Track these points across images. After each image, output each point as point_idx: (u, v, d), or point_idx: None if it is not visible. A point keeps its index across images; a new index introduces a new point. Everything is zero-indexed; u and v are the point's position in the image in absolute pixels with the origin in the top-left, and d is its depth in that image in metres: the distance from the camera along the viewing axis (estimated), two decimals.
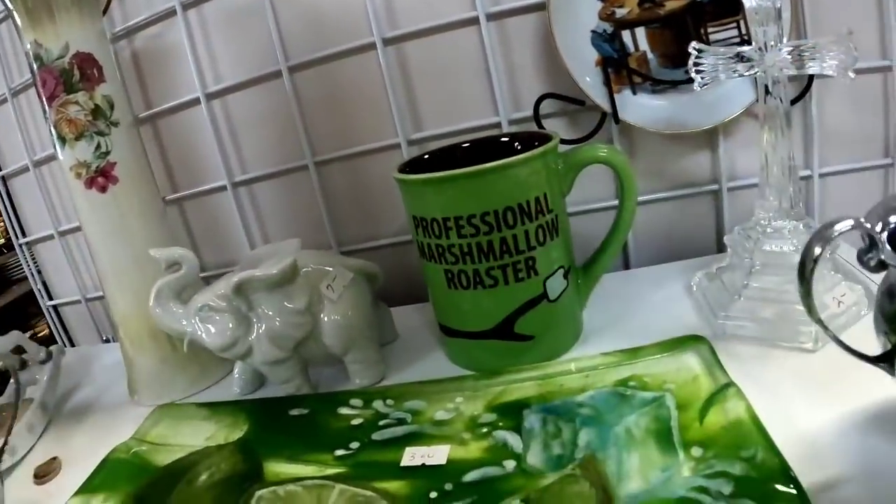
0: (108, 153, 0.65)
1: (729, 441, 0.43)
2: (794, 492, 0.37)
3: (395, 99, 0.75)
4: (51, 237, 0.96)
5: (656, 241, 0.75)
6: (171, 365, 0.71)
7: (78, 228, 0.94)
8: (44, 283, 1.04)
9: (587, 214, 0.75)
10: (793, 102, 0.67)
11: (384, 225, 0.83)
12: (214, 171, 0.84)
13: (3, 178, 0.98)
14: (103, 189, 0.65)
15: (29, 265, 1.02)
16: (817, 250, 0.39)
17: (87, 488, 0.55)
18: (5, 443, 0.59)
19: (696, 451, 0.43)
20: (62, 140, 0.65)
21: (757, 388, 0.47)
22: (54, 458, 0.63)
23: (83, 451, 0.64)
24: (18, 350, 0.79)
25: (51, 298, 1.05)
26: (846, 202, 0.72)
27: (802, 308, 0.50)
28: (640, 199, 0.72)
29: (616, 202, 0.73)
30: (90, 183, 0.65)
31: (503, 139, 0.63)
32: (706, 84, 0.56)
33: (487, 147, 0.63)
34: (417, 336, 0.71)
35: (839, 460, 0.41)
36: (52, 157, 0.91)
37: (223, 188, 0.85)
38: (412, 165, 0.61)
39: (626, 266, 0.78)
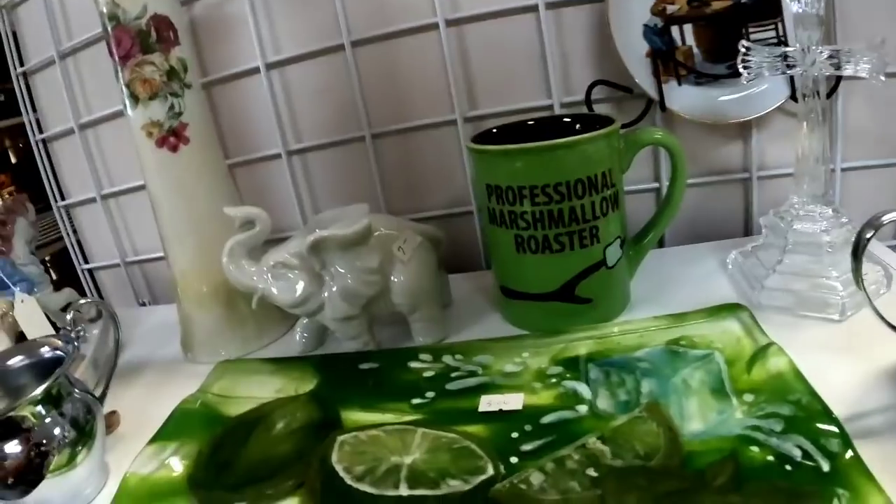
0: (180, 114, 0.67)
1: (775, 389, 0.48)
2: (835, 429, 0.43)
3: (453, 77, 0.78)
4: (92, 200, 0.97)
5: (688, 222, 0.79)
6: (229, 323, 0.73)
7: (119, 193, 0.96)
8: (80, 247, 1.05)
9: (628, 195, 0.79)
10: None
11: (434, 197, 0.86)
12: (267, 140, 0.87)
13: (44, 141, 0.99)
14: (174, 149, 0.67)
15: (66, 228, 1.02)
16: (868, 234, 0.45)
17: (160, 436, 0.57)
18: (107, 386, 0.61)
19: (748, 397, 0.49)
20: (134, 99, 0.66)
21: (790, 352, 0.51)
22: (114, 412, 0.64)
23: (141, 406, 0.66)
24: (68, 307, 0.81)
25: (87, 262, 1.06)
26: (864, 195, 0.77)
27: (830, 283, 0.58)
28: None
29: (654, 185, 0.80)
30: (162, 142, 0.67)
31: (565, 119, 0.67)
32: (752, 79, 0.61)
33: (550, 125, 0.67)
34: (470, 302, 0.75)
35: (866, 406, 0.46)
36: (97, 122, 0.93)
37: (277, 156, 0.87)
38: (482, 138, 0.65)
39: (661, 244, 0.82)
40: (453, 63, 0.78)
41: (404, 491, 0.46)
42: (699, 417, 0.48)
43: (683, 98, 0.73)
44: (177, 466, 0.54)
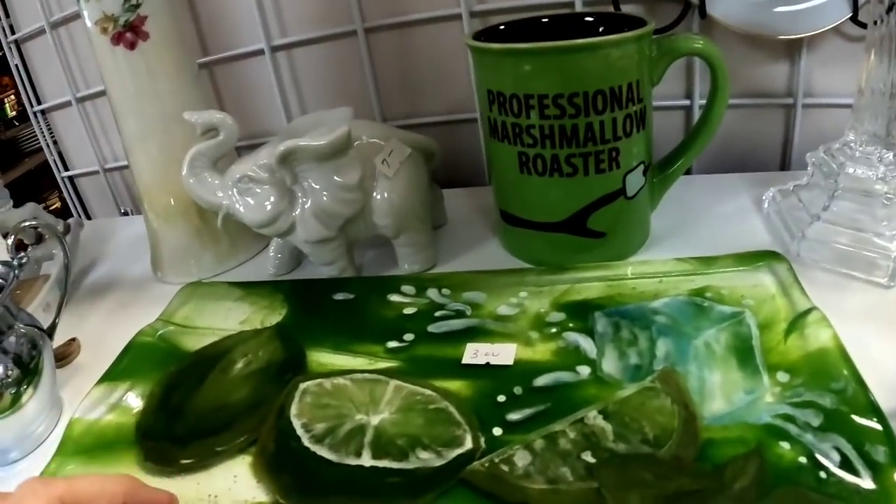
0: (138, 6, 0.59)
1: (816, 370, 0.41)
2: (881, 429, 0.35)
3: None
4: (68, 104, 0.91)
5: (719, 148, 0.71)
6: (200, 240, 0.67)
7: (97, 95, 0.89)
8: (59, 154, 1.00)
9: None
10: None
11: (434, 102, 0.78)
12: (250, 34, 0.78)
13: (17, 42, 0.92)
14: (132, 46, 0.60)
15: (44, 134, 0.98)
16: None
17: (111, 375, 0.52)
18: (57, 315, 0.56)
19: (782, 377, 0.41)
20: None
21: (834, 318, 0.44)
22: (73, 340, 0.60)
23: (103, 332, 0.62)
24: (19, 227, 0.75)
25: (66, 169, 1.01)
26: None
27: (881, 241, 0.50)
28: None
29: (684, 102, 0.70)
30: (117, 39, 0.60)
31: (587, 18, 0.58)
32: None
33: (569, 25, 0.58)
34: (468, 222, 0.68)
35: None
36: (71, 18, 0.85)
37: (260, 52, 0.78)
38: (486, 36, 0.56)
39: (687, 171, 0.74)
40: None
41: (367, 460, 0.41)
42: (722, 396, 0.41)
43: (728, 4, 0.63)
44: (127, 409, 0.49)
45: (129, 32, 0.59)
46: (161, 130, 0.63)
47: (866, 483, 0.33)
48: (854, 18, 0.60)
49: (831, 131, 0.56)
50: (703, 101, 0.60)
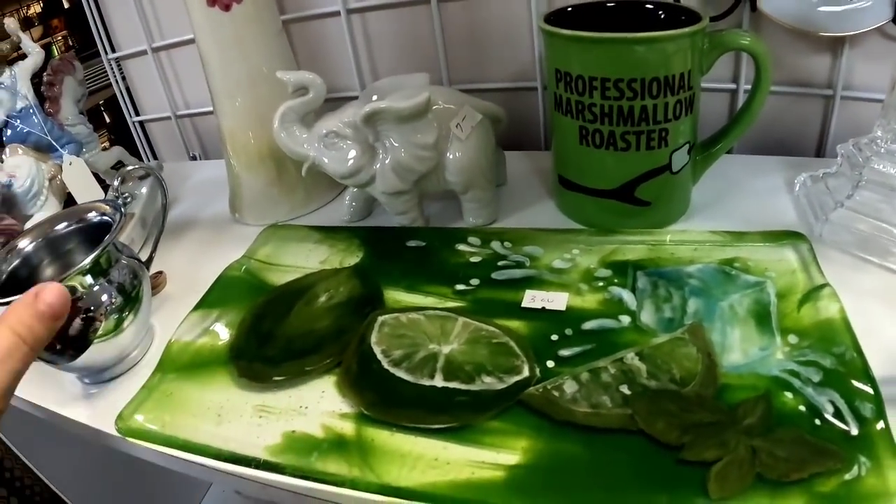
0: None
1: (821, 336, 0.47)
2: (872, 392, 0.41)
3: None
4: (143, 53, 0.95)
5: (759, 131, 0.75)
6: (278, 187, 0.73)
7: (171, 46, 0.93)
8: (131, 98, 1.03)
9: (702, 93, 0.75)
10: None
11: (499, 68, 0.82)
12: None
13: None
14: (227, 8, 0.65)
15: (117, 80, 1.01)
16: None
17: (204, 304, 0.59)
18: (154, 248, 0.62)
19: (792, 339, 0.47)
20: None
21: (844, 295, 0.49)
22: (160, 273, 0.65)
23: (187, 267, 0.67)
24: (118, 165, 0.81)
25: (137, 114, 1.05)
26: None
27: None
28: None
29: (730, 86, 0.74)
30: (213, 1, 0.64)
31: (648, 5, 0.62)
32: None
33: (631, 11, 0.62)
34: (525, 183, 0.73)
35: None
36: None
37: (336, 13, 0.83)
38: (556, 17, 0.61)
39: (728, 150, 0.78)
40: None
41: (439, 382, 0.48)
42: (740, 350, 0.47)
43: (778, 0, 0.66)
44: (220, 334, 0.56)
45: None
46: (248, 86, 0.68)
47: (853, 431, 0.39)
48: (895, 20, 0.63)
49: (867, 124, 0.60)
50: (748, 86, 0.64)
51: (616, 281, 0.55)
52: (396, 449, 0.44)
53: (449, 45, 0.82)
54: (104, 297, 0.51)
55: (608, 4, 0.63)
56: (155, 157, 1.10)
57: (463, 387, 0.47)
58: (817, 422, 0.41)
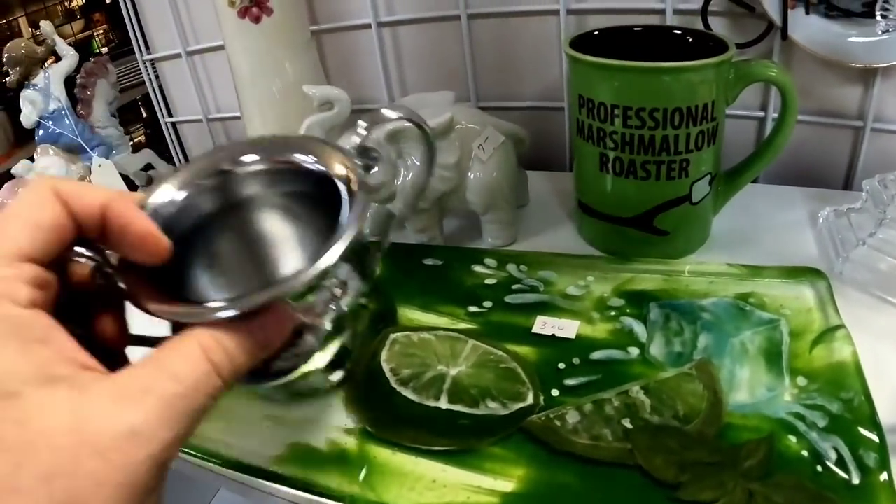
0: None
1: (831, 379, 0.46)
2: (877, 441, 0.41)
3: None
4: (177, 56, 0.96)
5: (786, 160, 0.74)
6: None
7: (205, 50, 0.94)
8: (164, 99, 1.05)
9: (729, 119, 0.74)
10: None
11: (526, 88, 0.82)
12: (359, 8, 0.83)
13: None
14: (257, 20, 0.66)
15: (152, 82, 1.02)
16: None
17: None
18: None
19: (801, 381, 0.47)
20: None
21: (861, 336, 0.48)
22: None
23: None
24: (147, 167, 0.83)
25: (170, 115, 1.06)
26: None
27: None
28: None
29: (759, 114, 0.74)
30: (244, 13, 0.66)
31: (675, 31, 0.62)
32: (888, 31, 0.54)
33: (659, 36, 0.62)
34: (548, 204, 0.73)
35: None
36: None
37: (367, 26, 0.84)
38: (582, 41, 0.60)
39: (753, 179, 0.78)
40: None
41: (443, 403, 0.48)
42: (747, 389, 0.47)
43: (809, 29, 0.65)
44: None
45: (255, 7, 0.65)
46: (276, 94, 0.69)
47: (854, 480, 0.39)
48: None
49: None
50: (776, 114, 0.63)
51: (628, 311, 0.55)
52: (397, 468, 0.44)
53: (478, 61, 0.82)
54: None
55: (635, 29, 0.63)
56: (186, 159, 1.11)
57: (467, 410, 0.47)
58: (819, 468, 0.40)
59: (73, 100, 0.77)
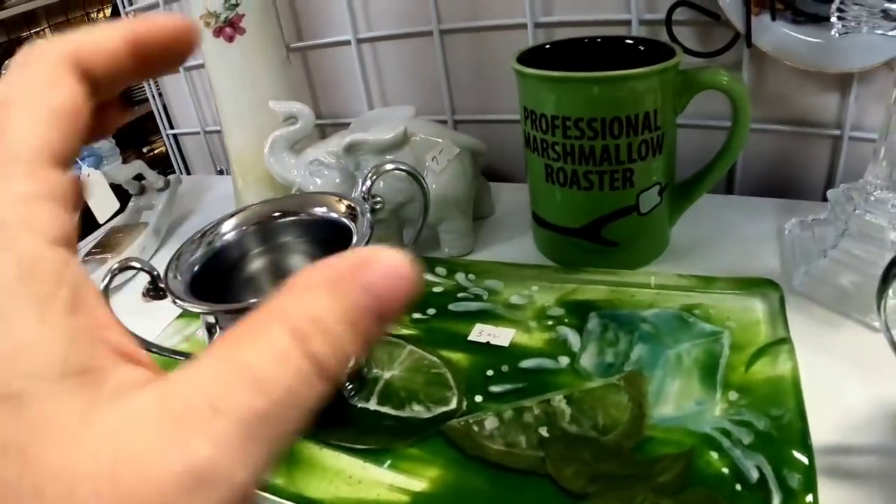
0: (237, 5, 0.67)
1: (765, 395, 0.44)
2: (806, 463, 0.38)
3: None
4: (176, 71, 0.99)
5: (765, 170, 0.73)
6: None
7: (200, 66, 0.96)
8: (166, 112, 1.09)
9: (697, 129, 0.73)
10: None
11: (501, 100, 0.83)
12: (341, 25, 0.85)
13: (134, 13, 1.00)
14: (230, 39, 0.68)
15: (154, 95, 1.07)
16: None
17: (185, 315, 0.62)
18: None
19: (732, 396, 0.45)
20: None
21: (812, 351, 0.47)
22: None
23: None
24: (139, 177, 0.86)
25: (172, 127, 1.11)
26: None
27: None
28: (758, 126, 0.70)
29: (728, 123, 0.72)
30: (218, 32, 0.68)
31: (628, 41, 0.62)
32: (845, 33, 0.53)
33: (611, 46, 0.62)
34: (512, 215, 0.73)
35: (857, 441, 0.41)
36: None
37: (347, 42, 0.86)
38: (533, 54, 0.61)
39: (730, 189, 0.77)
40: None
41: (372, 404, 0.49)
42: (675, 402, 0.45)
43: (775, 36, 0.64)
44: (201, 343, 0.59)
45: (228, 28, 0.68)
46: (252, 110, 0.71)
47: (775, 501, 0.36)
48: None
49: None
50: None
51: (566, 321, 0.54)
52: (320, 463, 0.45)
53: (453, 75, 0.83)
54: None
55: (584, 41, 0.63)
56: (187, 169, 1.15)
57: (393, 412, 0.48)
58: (738, 487, 0.38)
59: None
